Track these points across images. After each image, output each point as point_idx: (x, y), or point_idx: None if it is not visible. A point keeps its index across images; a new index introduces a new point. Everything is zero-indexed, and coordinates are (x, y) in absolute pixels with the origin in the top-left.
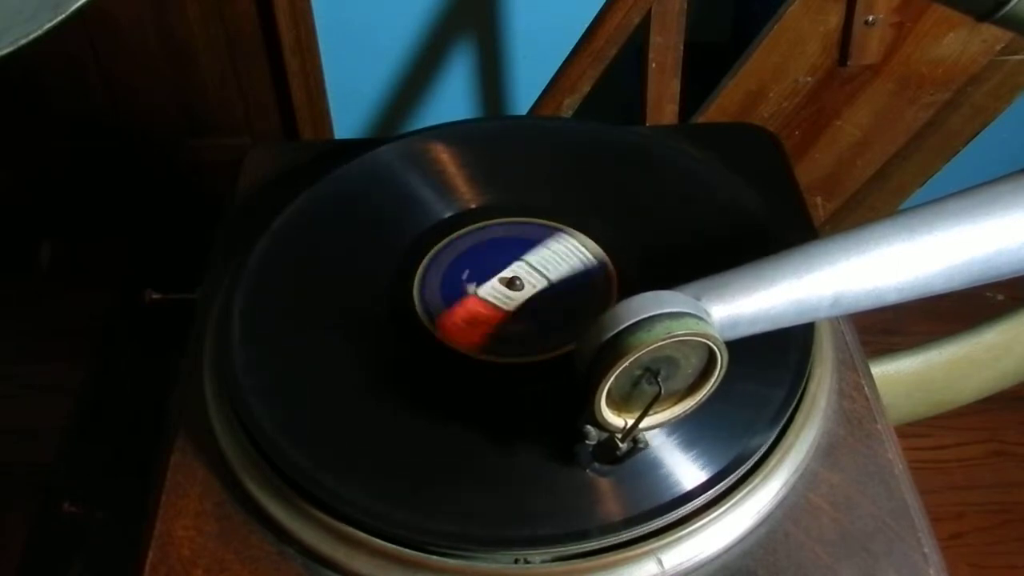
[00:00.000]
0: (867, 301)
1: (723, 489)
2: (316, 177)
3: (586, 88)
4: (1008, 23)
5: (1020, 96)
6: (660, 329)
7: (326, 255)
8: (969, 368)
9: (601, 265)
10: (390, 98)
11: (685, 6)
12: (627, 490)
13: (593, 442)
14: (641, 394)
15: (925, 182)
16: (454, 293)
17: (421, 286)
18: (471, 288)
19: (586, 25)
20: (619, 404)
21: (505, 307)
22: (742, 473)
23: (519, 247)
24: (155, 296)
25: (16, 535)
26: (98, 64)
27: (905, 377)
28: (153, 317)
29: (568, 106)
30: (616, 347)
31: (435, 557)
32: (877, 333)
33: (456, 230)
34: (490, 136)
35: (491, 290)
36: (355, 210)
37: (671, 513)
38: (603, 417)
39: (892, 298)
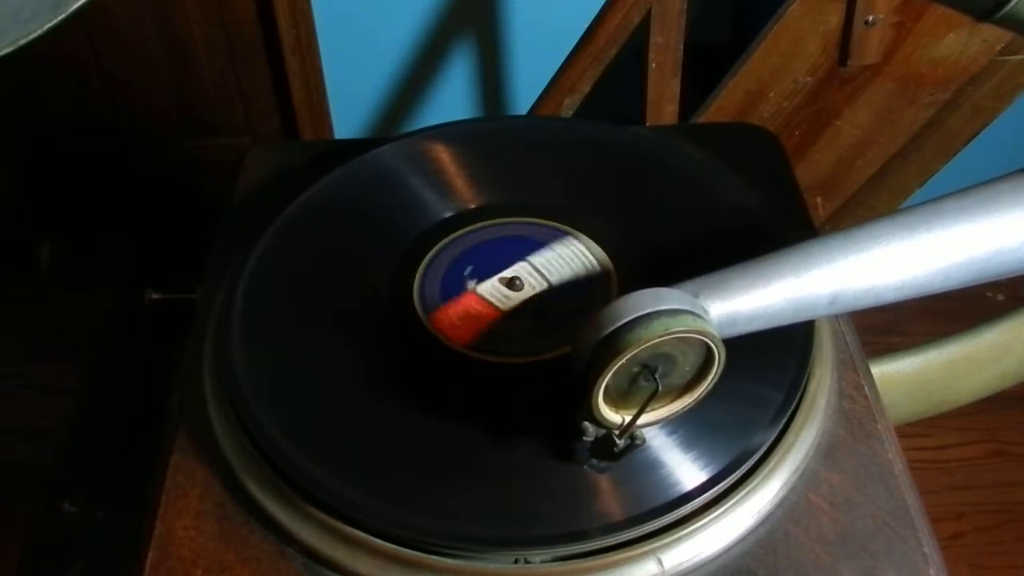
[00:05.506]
0: (865, 299)
1: (723, 489)
2: (316, 177)
3: (586, 88)
4: (1008, 23)
5: (1020, 96)
6: (658, 326)
7: (326, 255)
8: (969, 368)
9: (600, 263)
10: (390, 98)
11: (685, 6)
12: (627, 490)
13: (591, 438)
14: (639, 391)
15: (925, 182)
16: (454, 290)
17: (421, 286)
18: (471, 284)
19: (586, 25)
20: (617, 401)
21: (502, 306)
22: (742, 473)
23: (519, 247)
24: (155, 296)
25: (16, 535)
26: (98, 64)
27: (905, 377)
28: (153, 317)
29: (568, 106)
30: (614, 343)
31: (435, 557)
32: (877, 333)
33: (456, 230)
34: (490, 136)
35: (490, 289)
36: (355, 210)
37: (671, 513)
38: (601, 413)
39: (890, 297)
